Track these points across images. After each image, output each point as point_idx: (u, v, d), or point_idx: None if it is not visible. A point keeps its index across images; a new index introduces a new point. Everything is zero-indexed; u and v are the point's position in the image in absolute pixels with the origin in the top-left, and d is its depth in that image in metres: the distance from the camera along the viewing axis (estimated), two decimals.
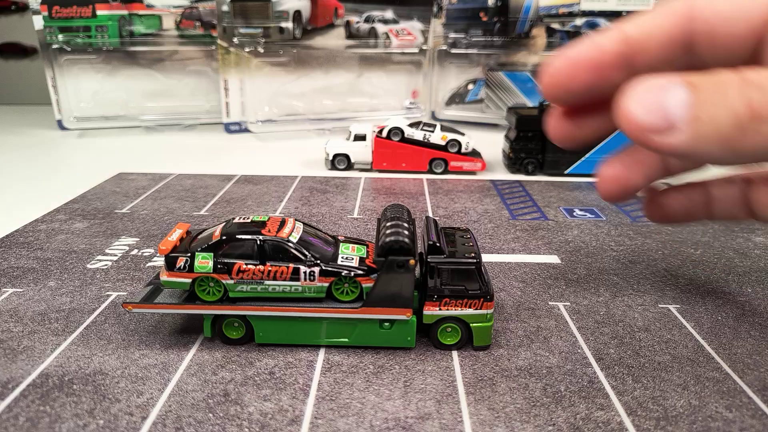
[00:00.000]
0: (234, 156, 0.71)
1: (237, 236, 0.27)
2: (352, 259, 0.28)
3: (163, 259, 0.28)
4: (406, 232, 0.27)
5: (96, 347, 0.28)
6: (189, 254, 0.27)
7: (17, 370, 0.26)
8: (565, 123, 0.27)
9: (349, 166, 0.63)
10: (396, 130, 0.62)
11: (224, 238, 0.27)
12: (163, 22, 0.84)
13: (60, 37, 0.79)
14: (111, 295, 0.34)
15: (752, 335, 0.30)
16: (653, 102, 0.20)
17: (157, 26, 0.84)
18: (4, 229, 0.44)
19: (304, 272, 0.27)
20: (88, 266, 0.38)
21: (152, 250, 0.40)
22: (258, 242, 0.27)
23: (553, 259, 0.40)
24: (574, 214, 0.49)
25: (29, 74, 1.19)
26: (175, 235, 0.29)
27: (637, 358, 0.28)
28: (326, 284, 0.27)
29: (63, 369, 0.26)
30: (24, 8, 1.16)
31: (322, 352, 0.28)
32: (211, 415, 0.23)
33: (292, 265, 0.27)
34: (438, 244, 0.28)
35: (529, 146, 0.62)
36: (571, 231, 0.45)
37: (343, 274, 0.27)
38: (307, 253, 0.28)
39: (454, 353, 0.28)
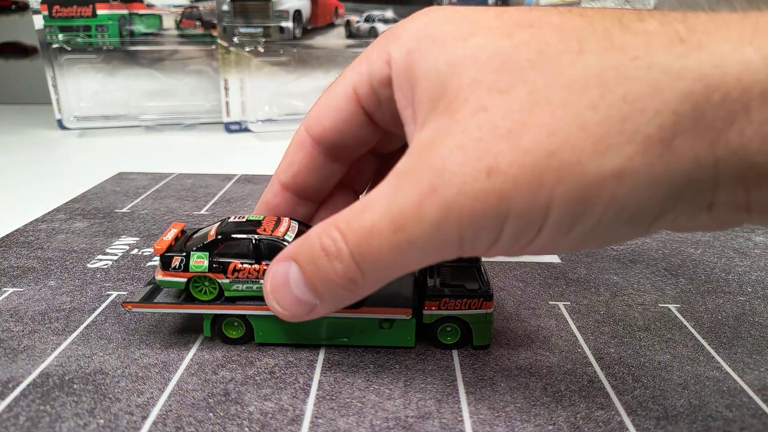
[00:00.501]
0: (234, 156, 0.71)
1: (232, 236, 0.27)
2: None
3: (158, 258, 0.28)
4: None
5: (96, 347, 0.28)
6: (184, 254, 0.27)
7: (18, 370, 0.26)
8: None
9: None
10: None
11: (219, 237, 0.27)
12: (164, 22, 0.84)
13: (60, 36, 0.79)
14: (111, 294, 0.34)
15: (752, 335, 0.30)
16: (288, 297, 0.23)
17: (158, 26, 0.84)
18: (5, 229, 0.44)
19: None
20: (89, 266, 0.38)
21: (152, 250, 0.40)
22: (253, 242, 0.27)
23: (554, 258, 0.40)
24: None
25: (29, 74, 1.19)
26: (170, 235, 0.29)
27: (637, 358, 0.28)
28: None
29: (63, 368, 0.26)
30: (24, 8, 1.16)
31: (322, 352, 0.28)
32: (211, 414, 0.23)
33: None
34: None
35: None
36: None
37: None
38: None
39: (455, 353, 0.28)
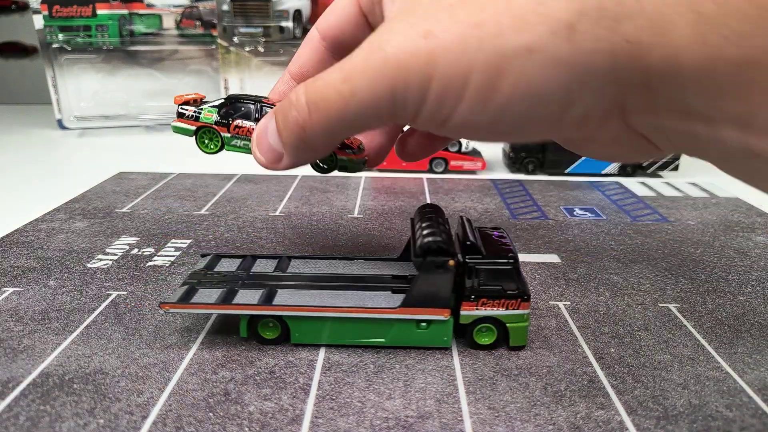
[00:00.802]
0: (234, 155, 0.71)
1: (240, 100, 0.32)
2: None
3: (176, 109, 0.33)
4: (444, 233, 0.28)
5: (96, 346, 0.28)
6: (198, 107, 0.33)
7: (18, 370, 0.26)
8: (402, 147, 0.35)
9: None
10: None
11: (229, 98, 0.32)
12: (164, 22, 0.84)
13: (60, 36, 0.79)
14: (111, 294, 0.34)
15: (752, 335, 0.30)
16: (264, 144, 0.28)
17: (158, 25, 0.84)
18: (5, 229, 0.44)
19: None
20: (89, 265, 0.38)
21: (152, 249, 0.40)
22: (257, 107, 0.32)
23: (554, 258, 0.40)
24: (575, 213, 0.49)
25: (29, 73, 1.19)
26: (189, 96, 0.34)
27: (637, 358, 0.28)
28: None
29: (63, 368, 0.26)
30: (24, 7, 1.16)
31: (322, 352, 0.28)
32: (211, 414, 0.23)
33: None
34: (476, 244, 0.28)
35: (530, 145, 0.62)
36: (571, 230, 0.45)
37: None
38: None
39: (455, 353, 0.28)
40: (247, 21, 0.79)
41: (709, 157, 0.22)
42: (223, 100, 0.32)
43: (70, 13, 0.79)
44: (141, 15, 0.82)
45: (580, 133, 0.24)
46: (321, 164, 0.32)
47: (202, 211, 0.49)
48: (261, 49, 0.81)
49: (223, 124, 0.32)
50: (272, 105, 0.31)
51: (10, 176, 0.61)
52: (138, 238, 0.42)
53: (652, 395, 0.25)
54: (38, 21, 0.78)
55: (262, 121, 0.28)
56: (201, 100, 0.34)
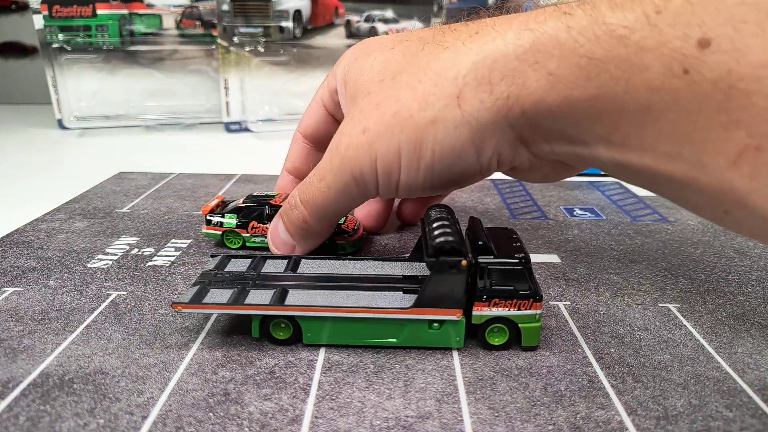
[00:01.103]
0: (234, 155, 0.71)
1: (253, 204, 0.40)
2: None
3: (204, 217, 0.41)
4: (456, 233, 0.28)
5: (96, 347, 0.28)
6: (221, 215, 0.40)
7: (17, 370, 0.26)
8: (400, 213, 0.45)
9: None
10: None
11: (244, 205, 0.40)
12: (164, 22, 0.84)
13: (60, 36, 0.79)
14: (111, 294, 0.34)
15: (752, 335, 0.30)
16: (278, 240, 0.36)
17: (157, 25, 0.84)
18: (5, 229, 0.44)
19: None
20: (89, 265, 0.38)
21: (152, 249, 0.40)
22: (266, 209, 0.40)
23: (554, 258, 0.40)
24: (575, 213, 0.49)
25: (29, 73, 1.19)
26: (213, 203, 0.42)
27: (637, 358, 0.28)
28: None
29: (63, 368, 0.26)
30: (24, 7, 1.16)
31: (322, 352, 0.28)
32: (211, 414, 0.23)
33: None
34: (488, 244, 0.28)
35: None
36: (571, 230, 0.45)
37: None
38: None
39: (455, 353, 0.28)
40: (247, 21, 0.79)
41: (604, 171, 0.28)
42: (239, 206, 0.40)
43: (70, 13, 0.79)
44: (141, 15, 0.82)
45: (503, 169, 0.30)
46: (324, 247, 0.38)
47: None
48: (261, 49, 0.81)
49: (243, 226, 0.40)
50: (279, 205, 0.39)
51: (10, 176, 0.61)
52: (138, 238, 0.42)
53: (652, 395, 0.25)
54: (38, 21, 0.78)
55: (273, 223, 0.36)
56: (222, 201, 0.43)
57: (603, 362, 0.27)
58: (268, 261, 0.33)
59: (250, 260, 0.33)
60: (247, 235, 0.40)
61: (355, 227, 0.40)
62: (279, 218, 0.35)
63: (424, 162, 0.28)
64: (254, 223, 0.39)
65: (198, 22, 0.84)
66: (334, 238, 0.39)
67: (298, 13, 0.81)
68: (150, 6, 0.82)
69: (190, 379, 0.26)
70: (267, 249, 0.37)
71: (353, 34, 0.86)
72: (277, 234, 0.35)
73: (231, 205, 0.41)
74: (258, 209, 0.40)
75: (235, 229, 0.40)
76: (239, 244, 0.40)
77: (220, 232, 0.40)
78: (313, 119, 0.40)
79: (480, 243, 0.28)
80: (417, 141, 0.28)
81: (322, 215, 0.33)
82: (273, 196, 0.41)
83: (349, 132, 0.30)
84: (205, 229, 0.40)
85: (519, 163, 0.29)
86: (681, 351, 0.28)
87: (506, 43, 0.26)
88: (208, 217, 0.40)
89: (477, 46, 0.27)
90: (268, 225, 0.39)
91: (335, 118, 0.39)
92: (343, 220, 0.40)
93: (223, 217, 0.40)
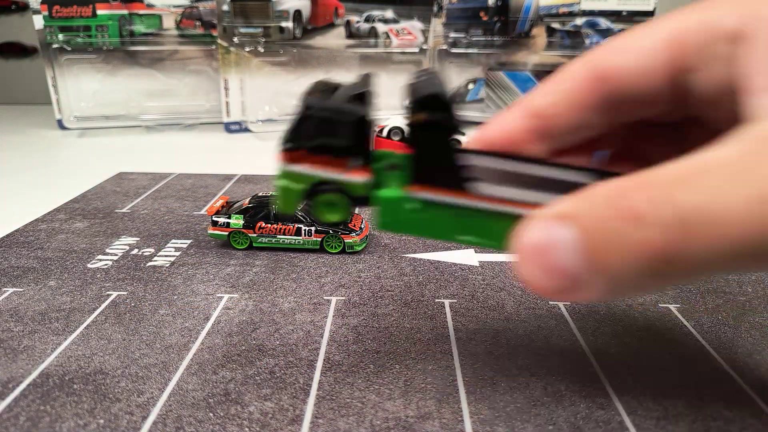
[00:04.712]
0: (234, 155, 0.71)
1: (259, 204, 0.40)
2: (339, 223, 0.39)
3: (210, 218, 0.40)
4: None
5: (96, 347, 0.28)
6: (227, 215, 0.40)
7: (18, 370, 0.26)
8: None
9: None
10: (396, 130, 0.62)
11: (251, 205, 0.40)
12: (164, 22, 0.84)
13: (60, 36, 0.79)
14: (111, 294, 0.34)
15: (752, 335, 0.30)
16: (543, 264, 0.18)
17: (158, 26, 0.84)
18: (5, 229, 0.44)
19: (304, 230, 0.39)
20: (89, 266, 0.38)
21: (152, 250, 0.40)
22: (273, 208, 0.39)
23: None
24: None
25: (29, 74, 1.19)
26: (218, 204, 0.41)
27: (637, 358, 0.28)
28: (319, 239, 0.39)
29: (63, 368, 0.26)
30: (24, 8, 1.16)
31: (322, 352, 0.28)
32: (211, 414, 0.23)
33: (296, 225, 0.39)
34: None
35: None
36: None
37: (330, 232, 0.39)
38: (307, 217, 0.40)
39: (455, 352, 0.28)
40: (247, 21, 0.79)
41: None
42: (245, 206, 0.40)
43: (70, 14, 0.79)
44: (141, 15, 0.82)
45: None
46: (328, 249, 0.37)
47: (202, 211, 0.49)
48: (261, 50, 0.81)
49: (249, 226, 0.39)
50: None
51: (10, 176, 0.61)
52: (138, 239, 0.42)
53: (652, 395, 0.25)
54: (38, 21, 0.78)
55: (534, 231, 0.18)
56: (227, 202, 0.42)
57: (603, 362, 0.27)
58: None
59: None
60: (254, 235, 0.40)
61: (362, 226, 0.41)
62: (559, 224, 0.18)
63: None
64: (261, 224, 0.39)
65: (198, 23, 0.84)
66: (342, 237, 0.39)
67: (298, 14, 0.81)
68: (150, 6, 0.82)
69: (190, 379, 0.26)
70: (271, 249, 0.37)
71: (353, 34, 0.86)
72: (550, 254, 0.18)
73: (236, 206, 0.41)
74: (264, 209, 0.40)
75: (242, 230, 0.40)
76: (246, 245, 0.40)
77: (227, 233, 0.40)
78: (640, 60, 0.21)
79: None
80: None
81: (705, 260, 0.16)
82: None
83: None
84: (211, 230, 0.40)
85: None
86: (681, 351, 0.28)
87: None
88: (214, 218, 0.40)
89: None
90: (274, 225, 0.39)
91: (685, 78, 0.21)
92: (349, 218, 0.41)
93: (229, 217, 0.40)
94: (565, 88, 0.22)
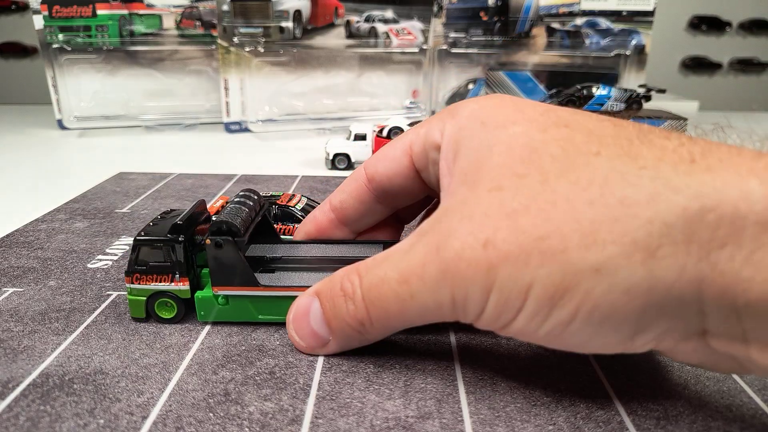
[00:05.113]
0: (234, 155, 0.71)
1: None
2: None
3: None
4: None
5: (96, 347, 0.28)
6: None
7: (17, 370, 0.26)
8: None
9: (350, 165, 0.63)
10: (396, 130, 0.62)
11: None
12: (164, 22, 0.84)
13: (60, 36, 0.79)
14: (111, 294, 0.34)
15: None
16: (305, 328, 0.27)
17: (158, 26, 0.84)
18: (5, 229, 0.44)
19: None
20: (89, 266, 0.38)
21: None
22: (274, 208, 0.39)
23: None
24: None
25: (29, 74, 1.19)
26: (217, 204, 0.40)
27: (637, 358, 0.28)
28: None
29: (63, 368, 0.26)
30: (24, 8, 1.16)
31: None
32: (211, 414, 0.23)
33: (295, 225, 0.38)
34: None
35: None
36: None
37: None
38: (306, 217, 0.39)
39: (455, 352, 0.28)
40: (247, 21, 0.79)
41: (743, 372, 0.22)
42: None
43: (70, 14, 0.79)
44: (141, 15, 0.82)
45: (652, 348, 0.22)
46: None
47: None
48: (261, 50, 0.81)
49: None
50: (284, 206, 0.39)
51: (10, 176, 0.61)
52: None
53: (652, 395, 0.25)
54: (38, 21, 0.78)
55: (300, 301, 0.27)
56: (227, 202, 0.40)
57: (603, 362, 0.27)
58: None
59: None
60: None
61: None
62: (313, 299, 0.26)
63: (559, 316, 0.20)
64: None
65: (198, 23, 0.84)
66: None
67: (298, 14, 0.81)
68: (150, 6, 0.82)
69: (190, 379, 0.26)
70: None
71: (353, 34, 0.86)
72: (306, 319, 0.26)
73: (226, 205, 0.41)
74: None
75: None
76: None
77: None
78: (390, 167, 0.29)
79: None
80: (560, 287, 0.19)
81: (388, 325, 0.25)
82: (278, 196, 0.40)
83: (462, 237, 0.21)
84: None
85: (679, 354, 0.21)
86: None
87: (747, 192, 0.17)
88: (214, 218, 0.40)
89: (697, 183, 0.18)
90: (274, 225, 0.38)
91: (420, 175, 0.28)
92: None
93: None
94: (350, 189, 0.31)
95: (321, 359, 0.27)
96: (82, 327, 0.30)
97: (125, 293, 0.34)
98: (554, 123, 0.22)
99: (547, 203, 0.20)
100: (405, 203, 0.31)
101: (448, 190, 0.24)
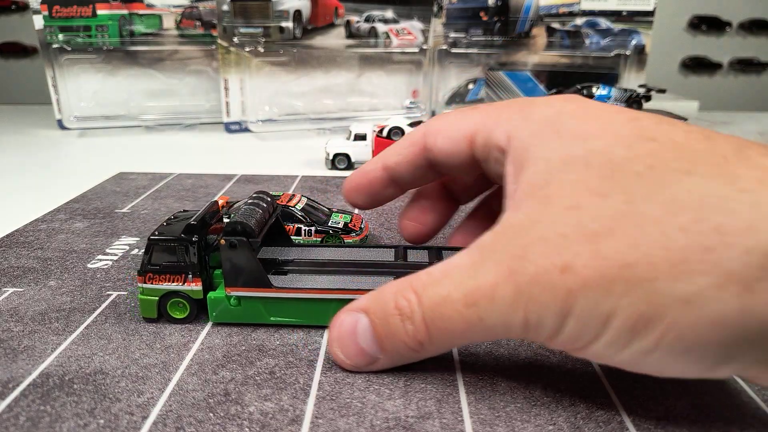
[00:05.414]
0: (234, 155, 0.71)
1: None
2: (339, 223, 0.40)
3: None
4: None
5: (96, 347, 0.28)
6: (227, 216, 0.38)
7: (18, 370, 0.26)
8: (410, 225, 0.34)
9: (350, 165, 0.63)
10: (396, 130, 0.62)
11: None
12: (164, 22, 0.84)
13: (60, 36, 0.79)
14: (111, 294, 0.34)
15: None
16: (352, 346, 0.25)
17: (158, 26, 0.84)
18: (5, 229, 0.44)
19: (304, 230, 0.39)
20: (89, 266, 0.38)
21: None
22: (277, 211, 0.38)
23: None
24: None
25: (29, 74, 1.19)
26: (220, 203, 0.38)
27: None
28: (319, 239, 0.39)
29: (63, 368, 0.26)
30: (24, 8, 1.16)
31: (322, 352, 0.28)
32: (211, 414, 0.23)
33: (296, 225, 0.39)
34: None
35: None
36: None
37: (330, 232, 0.39)
38: (307, 217, 0.40)
39: (455, 352, 0.28)
40: (247, 21, 0.79)
41: None
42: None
43: (70, 14, 0.79)
44: (141, 15, 0.82)
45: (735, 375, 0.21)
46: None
47: None
48: (261, 50, 0.81)
49: None
50: (286, 206, 0.39)
51: (10, 176, 0.61)
52: (138, 239, 0.42)
53: (652, 395, 0.25)
54: (38, 21, 0.78)
55: (344, 317, 0.25)
56: (227, 202, 0.40)
57: None
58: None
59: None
60: None
61: (362, 226, 0.41)
62: (360, 315, 0.25)
63: (640, 345, 0.19)
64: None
65: (198, 23, 0.84)
66: (342, 237, 0.39)
67: (298, 14, 0.81)
68: (150, 6, 0.82)
69: (190, 379, 0.26)
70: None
71: (353, 34, 0.86)
72: (354, 338, 0.25)
73: (236, 206, 0.41)
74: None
75: None
76: None
77: None
78: (449, 146, 0.28)
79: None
80: (644, 316, 0.19)
81: (448, 345, 0.24)
82: (278, 196, 0.40)
83: (538, 260, 0.20)
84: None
85: (754, 378, 0.21)
86: None
87: None
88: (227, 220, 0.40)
89: None
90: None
91: (480, 163, 0.27)
92: (349, 218, 0.41)
93: (229, 218, 0.40)
94: (407, 152, 0.30)
95: (321, 359, 0.27)
96: (82, 327, 0.30)
97: (125, 293, 0.34)
98: (639, 136, 0.21)
99: (633, 227, 0.19)
100: (459, 177, 0.32)
101: (513, 198, 0.23)
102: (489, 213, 0.34)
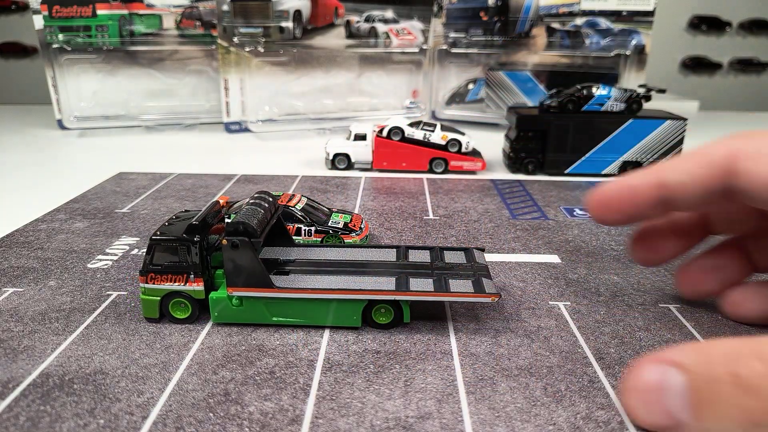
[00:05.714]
0: (234, 156, 0.71)
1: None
2: (339, 223, 0.40)
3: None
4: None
5: (96, 347, 0.28)
6: (228, 216, 0.37)
7: (18, 370, 0.26)
8: (642, 249, 0.31)
9: (350, 165, 0.63)
10: (396, 130, 0.62)
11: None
12: (164, 22, 0.84)
13: (60, 36, 0.79)
14: (111, 294, 0.34)
15: (752, 334, 0.30)
16: (653, 404, 0.21)
17: (157, 26, 0.84)
18: (5, 229, 0.44)
19: (304, 230, 0.39)
20: (89, 266, 0.38)
21: None
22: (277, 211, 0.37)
23: (554, 258, 0.40)
24: (575, 213, 0.49)
25: (29, 74, 1.19)
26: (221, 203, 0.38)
27: (637, 358, 0.28)
28: (319, 239, 0.39)
29: (63, 368, 0.26)
30: (24, 8, 1.16)
31: (322, 352, 0.28)
32: (211, 414, 0.23)
33: (296, 225, 0.39)
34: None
35: (530, 146, 0.62)
36: (571, 230, 0.45)
37: (330, 232, 0.39)
38: (307, 217, 0.40)
39: (455, 352, 0.28)
40: (247, 21, 0.79)
41: None
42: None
43: (70, 14, 0.79)
44: (141, 15, 0.82)
45: None
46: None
47: None
48: (261, 49, 0.81)
49: None
50: (286, 206, 0.39)
51: (10, 176, 0.61)
52: (138, 239, 0.42)
53: None
54: (38, 21, 0.78)
55: (650, 371, 0.22)
56: (227, 202, 0.40)
57: (603, 362, 0.27)
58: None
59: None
60: None
61: (362, 226, 0.41)
62: (672, 372, 0.21)
63: None
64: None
65: (198, 23, 0.84)
66: (342, 237, 0.39)
67: (298, 14, 0.81)
68: (150, 6, 0.82)
69: (190, 379, 0.26)
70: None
71: (353, 34, 0.86)
72: (659, 396, 0.21)
73: (236, 206, 0.41)
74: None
75: None
76: None
77: None
78: (695, 183, 0.25)
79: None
80: None
81: None
82: (279, 196, 0.40)
83: None
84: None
85: None
86: None
87: None
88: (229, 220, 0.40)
89: None
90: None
91: (732, 197, 0.25)
92: (349, 218, 0.41)
93: (229, 218, 0.40)
94: (698, 172, 0.25)
95: (321, 359, 0.27)
96: (82, 327, 0.30)
97: (125, 293, 0.34)
98: None
99: None
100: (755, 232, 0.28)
101: None
102: (741, 253, 0.30)
